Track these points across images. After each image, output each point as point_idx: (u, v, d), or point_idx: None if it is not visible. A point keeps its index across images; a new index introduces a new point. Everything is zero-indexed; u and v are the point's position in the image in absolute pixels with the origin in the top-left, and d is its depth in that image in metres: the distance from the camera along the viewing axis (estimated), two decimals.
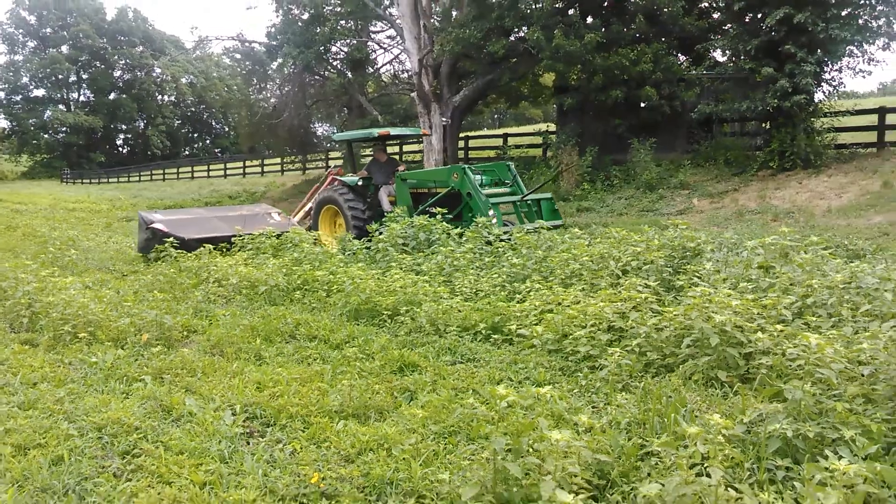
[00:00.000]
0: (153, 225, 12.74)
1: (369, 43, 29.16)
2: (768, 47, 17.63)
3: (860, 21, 17.63)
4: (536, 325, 6.54)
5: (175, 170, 50.91)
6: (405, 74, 30.28)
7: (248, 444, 4.44)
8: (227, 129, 79.79)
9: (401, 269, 9.16)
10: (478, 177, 12.59)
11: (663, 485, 3.21)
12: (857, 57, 17.68)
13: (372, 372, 5.78)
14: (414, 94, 25.25)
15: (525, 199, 12.39)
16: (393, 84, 30.68)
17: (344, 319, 7.60)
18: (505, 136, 27.82)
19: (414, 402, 5.11)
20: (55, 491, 3.73)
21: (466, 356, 6.25)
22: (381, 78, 30.76)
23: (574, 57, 18.99)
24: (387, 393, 5.23)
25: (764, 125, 19.43)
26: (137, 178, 54.21)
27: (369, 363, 6.00)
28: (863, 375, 4.36)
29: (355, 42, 28.56)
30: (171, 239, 11.68)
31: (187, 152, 79.37)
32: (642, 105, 20.68)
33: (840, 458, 2.94)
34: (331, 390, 5.27)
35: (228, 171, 45.03)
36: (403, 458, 4.00)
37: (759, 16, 18.04)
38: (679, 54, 21.96)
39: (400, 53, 30.15)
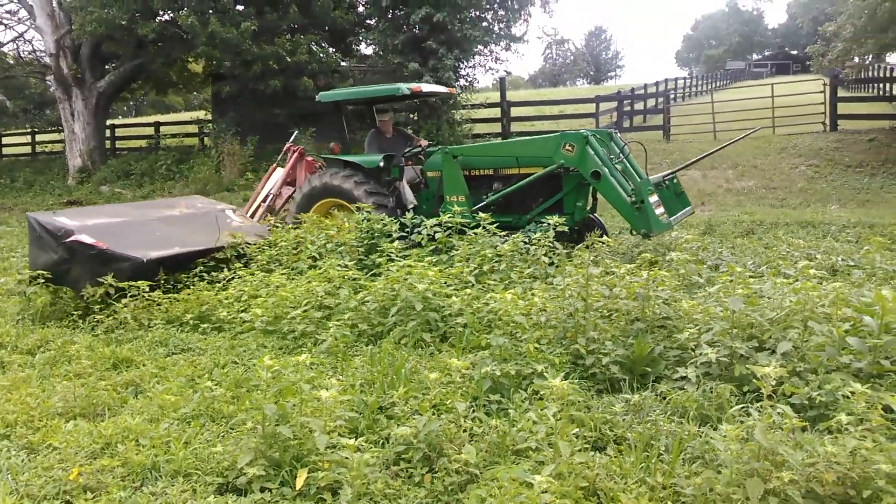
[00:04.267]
0: (75, 238, 7.44)
1: None
2: (413, 43, 19.27)
3: (485, 24, 20.09)
4: (244, 311, 6.74)
5: None
6: (34, 55, 27.29)
7: None
8: None
9: None
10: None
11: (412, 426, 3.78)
12: (487, 56, 20.14)
13: (83, 372, 5.55)
14: (50, 78, 22.97)
15: (671, 176, 9.05)
16: (19, 65, 27.41)
17: (29, 322, 7.05)
18: (157, 125, 26.54)
19: (142, 396, 5.08)
20: None
21: (180, 346, 6.25)
22: (6, 58, 27.30)
23: (230, 44, 18.88)
24: (111, 390, 5.11)
25: (412, 116, 21.18)
26: None
27: (77, 364, 5.73)
28: (542, 322, 5.37)
29: None
30: (118, 261, 7.31)
31: None
32: (300, 95, 21.22)
33: (554, 378, 3.75)
34: (47, 394, 5.00)
35: None
36: (157, 445, 4.06)
37: (404, 13, 19.59)
38: (331, 47, 22.86)
39: (26, 31, 27.12)
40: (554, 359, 4.84)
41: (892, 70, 25.46)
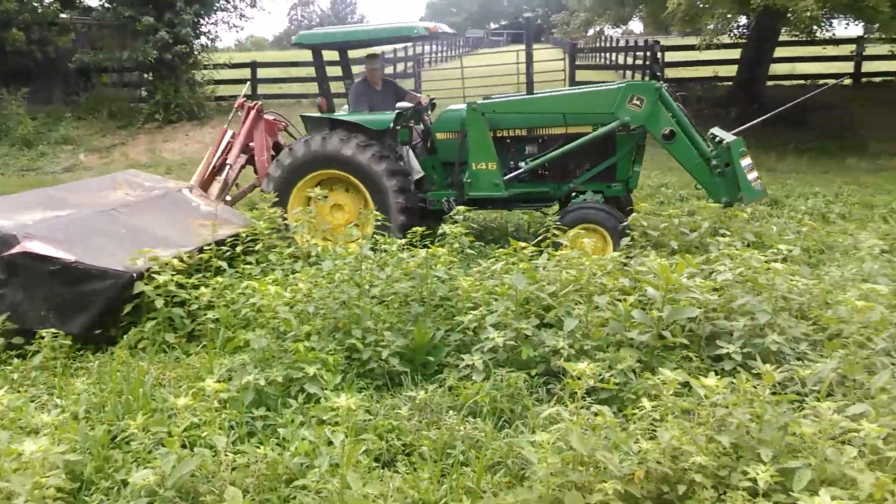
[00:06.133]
0: (21, 248, 5.15)
1: None
2: None
3: None
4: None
5: None
6: None
7: None
8: None
9: None
10: None
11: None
12: (231, 11, 18.66)
13: None
14: None
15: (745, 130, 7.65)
16: None
17: None
18: None
19: None
20: None
21: None
22: None
23: None
24: None
25: (146, 76, 19.17)
26: None
27: None
28: (309, 313, 4.67)
29: None
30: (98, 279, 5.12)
31: None
32: (9, 50, 18.29)
33: (334, 394, 3.10)
34: None
35: None
36: None
37: None
38: None
39: None
40: (327, 357, 4.18)
41: (617, 41, 27.45)
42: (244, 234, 6.27)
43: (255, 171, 8.61)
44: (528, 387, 4.10)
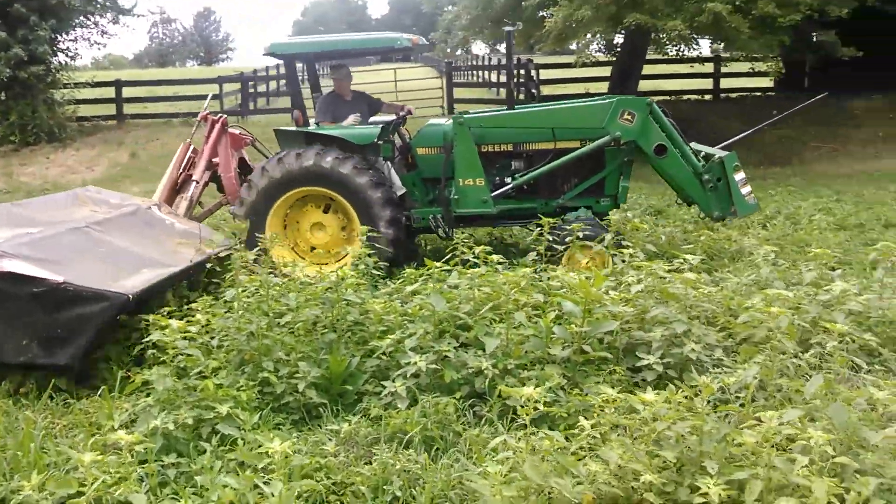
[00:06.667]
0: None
1: None
2: None
3: None
4: None
5: None
6: None
7: None
8: None
9: None
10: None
11: None
12: (91, 28, 17.70)
13: None
14: None
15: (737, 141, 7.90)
16: None
17: None
18: None
19: None
20: None
21: None
22: None
23: None
24: None
25: None
26: None
27: None
28: (213, 347, 4.34)
29: None
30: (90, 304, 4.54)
31: None
32: None
33: (261, 435, 2.84)
34: None
35: None
36: None
37: None
38: None
39: None
40: (239, 393, 3.88)
41: (490, 59, 28.00)
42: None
43: (219, 189, 8.18)
44: (454, 410, 3.95)
